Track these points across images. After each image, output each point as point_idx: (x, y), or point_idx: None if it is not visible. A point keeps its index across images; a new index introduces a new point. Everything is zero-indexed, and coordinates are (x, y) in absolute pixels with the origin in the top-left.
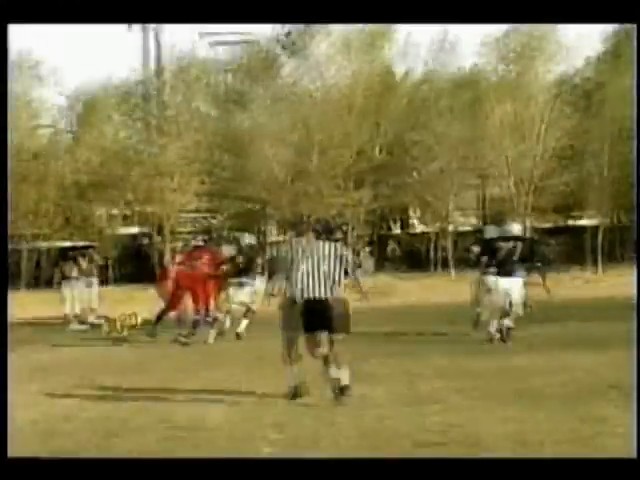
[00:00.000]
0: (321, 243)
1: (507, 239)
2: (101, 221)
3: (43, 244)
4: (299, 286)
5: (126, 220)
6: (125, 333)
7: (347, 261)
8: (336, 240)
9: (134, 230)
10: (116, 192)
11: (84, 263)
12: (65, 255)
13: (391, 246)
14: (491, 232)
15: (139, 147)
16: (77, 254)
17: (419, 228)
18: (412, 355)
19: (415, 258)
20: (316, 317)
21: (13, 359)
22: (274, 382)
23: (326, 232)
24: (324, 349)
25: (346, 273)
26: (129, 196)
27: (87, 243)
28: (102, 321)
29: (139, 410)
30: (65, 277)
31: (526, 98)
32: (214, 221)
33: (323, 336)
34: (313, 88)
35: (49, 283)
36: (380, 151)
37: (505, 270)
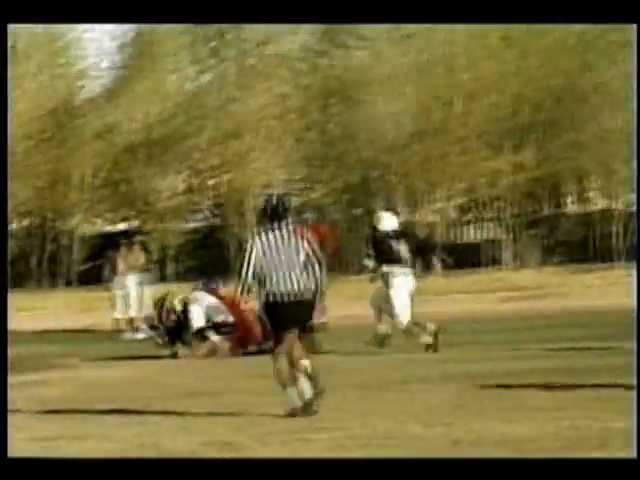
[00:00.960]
0: (279, 231)
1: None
2: (161, 198)
3: (91, 228)
4: (268, 285)
5: (197, 194)
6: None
7: (310, 253)
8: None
9: (205, 210)
10: (183, 158)
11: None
12: (117, 243)
13: (562, 229)
14: (388, 221)
15: (213, 99)
16: (129, 242)
17: (600, 204)
18: (580, 381)
19: (595, 245)
20: (289, 316)
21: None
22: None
23: (275, 215)
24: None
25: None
26: (200, 164)
27: (131, 227)
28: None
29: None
30: (117, 272)
31: None
32: (312, 196)
33: (292, 336)
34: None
35: (98, 279)
36: (548, 98)
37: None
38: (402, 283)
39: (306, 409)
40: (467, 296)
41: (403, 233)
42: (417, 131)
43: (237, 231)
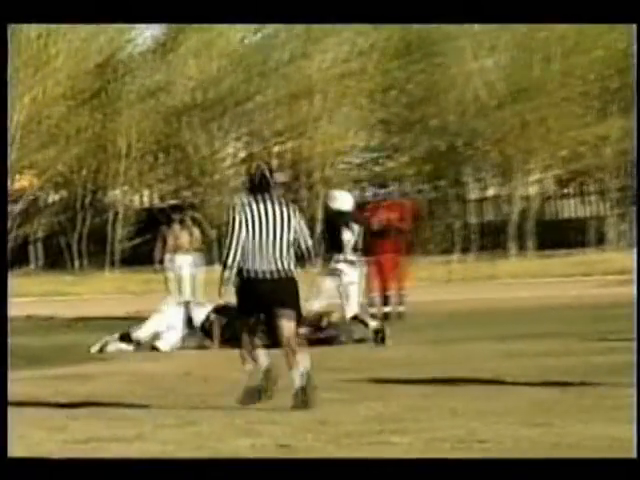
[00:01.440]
0: (262, 205)
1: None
2: (218, 168)
3: (136, 201)
4: (246, 261)
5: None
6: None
7: (298, 228)
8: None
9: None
10: (243, 121)
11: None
12: (167, 219)
13: None
14: (342, 201)
15: (276, 54)
16: (182, 218)
17: None
18: None
19: None
20: (260, 298)
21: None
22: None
23: (258, 188)
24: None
25: (299, 246)
26: (262, 129)
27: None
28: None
29: None
30: (169, 251)
31: None
32: (390, 165)
33: (285, 324)
34: None
35: (144, 259)
36: None
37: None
38: (348, 273)
39: (252, 393)
40: (563, 279)
41: (355, 216)
42: (510, 92)
43: (306, 206)
